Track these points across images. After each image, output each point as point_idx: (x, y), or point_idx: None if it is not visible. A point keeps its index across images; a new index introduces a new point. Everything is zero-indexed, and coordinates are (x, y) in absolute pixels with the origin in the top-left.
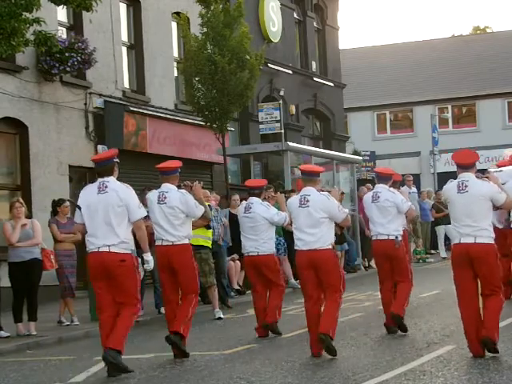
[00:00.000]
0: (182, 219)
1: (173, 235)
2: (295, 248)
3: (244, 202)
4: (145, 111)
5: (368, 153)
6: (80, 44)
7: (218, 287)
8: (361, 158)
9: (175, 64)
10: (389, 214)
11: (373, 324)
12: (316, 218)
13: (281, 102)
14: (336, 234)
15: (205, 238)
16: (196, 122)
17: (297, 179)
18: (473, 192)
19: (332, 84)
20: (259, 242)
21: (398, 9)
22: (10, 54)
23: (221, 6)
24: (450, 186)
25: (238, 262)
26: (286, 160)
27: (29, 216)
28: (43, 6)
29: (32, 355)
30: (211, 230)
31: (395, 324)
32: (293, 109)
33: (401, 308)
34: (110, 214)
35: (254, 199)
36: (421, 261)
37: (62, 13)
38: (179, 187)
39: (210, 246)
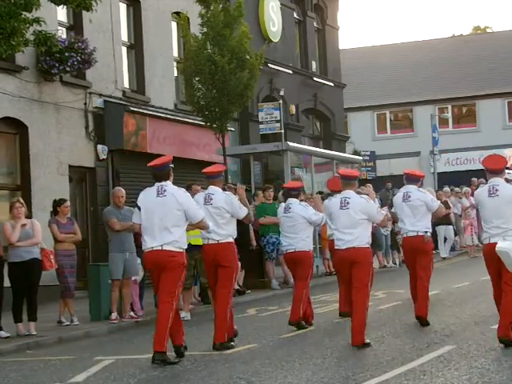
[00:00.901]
0: (227, 218)
1: (218, 234)
2: (336, 248)
3: (283, 204)
4: (145, 111)
5: (368, 153)
6: (80, 44)
7: None
8: (361, 157)
9: (175, 64)
10: (419, 213)
11: (373, 324)
12: (356, 219)
13: (281, 101)
14: None
15: None
16: (196, 121)
17: (332, 178)
18: (503, 196)
19: (332, 84)
20: (297, 239)
21: (397, 9)
22: (9, 53)
23: (221, 5)
24: (482, 189)
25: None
26: (286, 160)
27: (29, 216)
28: (43, 5)
29: (32, 355)
30: None
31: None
32: (293, 109)
33: (425, 309)
34: (168, 216)
35: (292, 200)
36: None
37: (61, 13)
38: (224, 189)
39: None
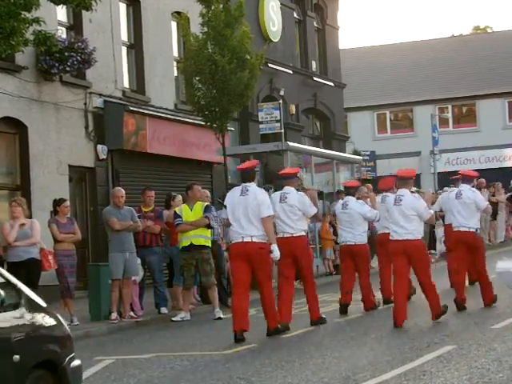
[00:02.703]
0: (299, 215)
1: (292, 228)
2: (390, 238)
3: (341, 200)
4: (145, 111)
5: (368, 153)
6: (80, 44)
7: (217, 287)
8: (361, 157)
9: (175, 64)
10: (469, 210)
11: (373, 324)
12: (407, 215)
13: (281, 101)
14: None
15: (206, 238)
16: (196, 121)
17: (381, 178)
18: None
19: (332, 84)
20: (355, 234)
21: (397, 9)
22: (9, 53)
23: (221, 5)
24: None
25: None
26: (286, 160)
27: (28, 216)
28: (43, 5)
29: None
30: (211, 230)
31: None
32: (293, 109)
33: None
34: (249, 212)
35: (349, 198)
36: None
37: (61, 12)
38: (297, 190)
39: (210, 246)
